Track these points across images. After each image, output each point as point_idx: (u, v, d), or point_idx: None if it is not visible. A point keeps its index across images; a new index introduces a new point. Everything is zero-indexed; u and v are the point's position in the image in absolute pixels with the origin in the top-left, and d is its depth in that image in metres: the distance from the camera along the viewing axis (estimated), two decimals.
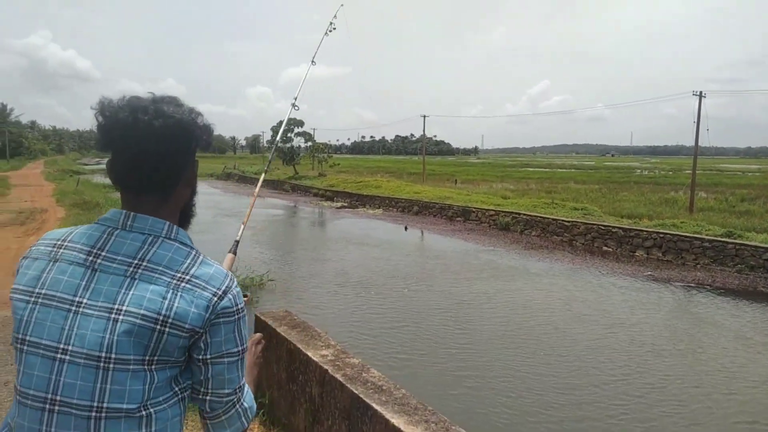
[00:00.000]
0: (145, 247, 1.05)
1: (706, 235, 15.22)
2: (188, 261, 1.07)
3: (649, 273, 13.81)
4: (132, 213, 1.07)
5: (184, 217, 1.21)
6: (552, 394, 6.68)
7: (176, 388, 1.06)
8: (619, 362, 7.90)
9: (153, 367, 1.01)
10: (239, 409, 1.15)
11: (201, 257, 1.10)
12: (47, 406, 0.98)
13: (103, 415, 0.98)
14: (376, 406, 2.66)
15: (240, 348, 1.10)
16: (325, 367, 3.15)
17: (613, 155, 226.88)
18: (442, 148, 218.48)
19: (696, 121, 22.33)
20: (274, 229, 22.06)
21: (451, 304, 10.77)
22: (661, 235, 15.85)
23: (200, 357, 1.05)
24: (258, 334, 1.54)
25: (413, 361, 7.79)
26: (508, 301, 11.04)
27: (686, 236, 15.29)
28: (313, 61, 3.36)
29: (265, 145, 59.69)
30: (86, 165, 75.65)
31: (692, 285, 12.76)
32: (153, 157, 1.06)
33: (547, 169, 66.70)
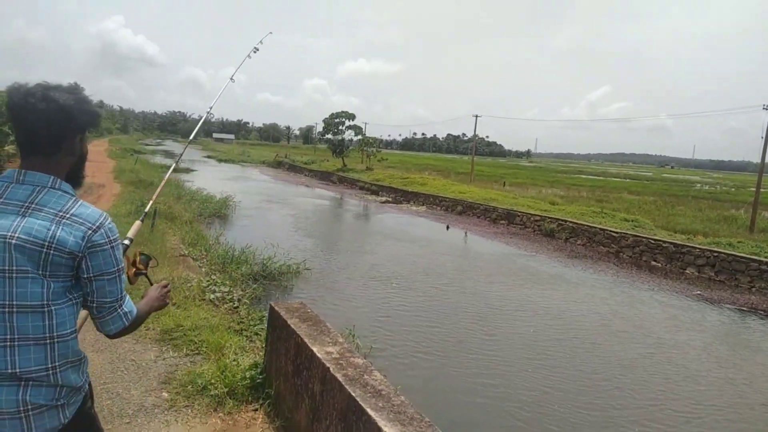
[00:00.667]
0: (34, 194, 1.46)
1: (765, 257, 14.32)
2: (69, 204, 1.49)
3: (699, 292, 13.13)
4: (24, 170, 1.49)
5: (74, 177, 1.60)
6: (577, 414, 6.43)
7: (70, 296, 1.51)
8: (653, 385, 7.52)
9: (47, 277, 1.44)
10: (120, 312, 1.61)
11: (80, 202, 1.52)
12: None
13: (15, 310, 1.42)
14: (371, 412, 2.59)
15: (116, 268, 1.56)
16: (328, 365, 3.10)
17: (672, 167, 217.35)
18: (493, 149, 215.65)
19: (764, 136, 21.07)
20: (317, 219, 22.30)
21: (482, 307, 10.55)
22: (715, 254, 15.03)
23: (85, 276, 1.50)
24: (164, 282, 2.07)
25: (434, 363, 7.68)
26: (542, 310, 10.72)
27: (742, 257, 14.44)
28: (232, 79, 3.96)
29: (317, 136, 60.30)
30: (147, 145, 78.93)
31: (745, 309, 12.04)
32: (37, 130, 1.47)
33: (600, 177, 64.69)
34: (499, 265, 14.63)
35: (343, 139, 44.23)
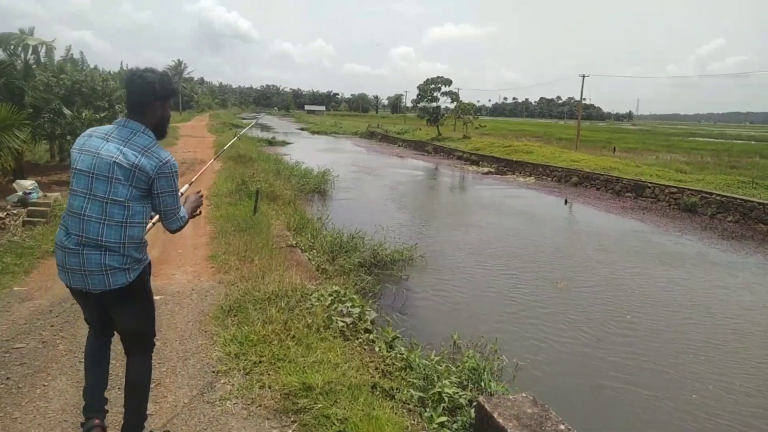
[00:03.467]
0: (131, 135, 2.50)
1: None
2: (151, 144, 2.51)
3: None
4: (126, 119, 2.54)
5: (158, 130, 2.63)
6: None
7: (142, 200, 2.49)
8: None
9: (132, 186, 2.43)
10: (177, 216, 2.65)
11: (157, 144, 2.56)
12: (87, 196, 2.42)
13: (109, 201, 2.41)
14: None
15: (174, 189, 2.56)
16: None
17: None
18: (591, 113, 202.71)
19: None
20: (417, 192, 20.93)
21: (628, 300, 8.67)
22: None
23: (155, 192, 2.50)
24: (198, 193, 3.08)
25: (572, 368, 6.03)
26: (704, 305, 8.65)
27: None
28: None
29: (410, 104, 58.56)
30: (244, 119, 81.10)
31: None
32: (132, 96, 2.55)
33: (720, 140, 57.70)
34: (638, 247, 12.44)
35: (438, 107, 42.16)
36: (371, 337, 4.19)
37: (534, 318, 8.13)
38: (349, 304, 4.66)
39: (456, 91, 41.41)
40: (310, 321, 4.10)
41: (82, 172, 2.43)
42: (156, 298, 5.17)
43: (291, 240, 8.08)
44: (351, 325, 4.27)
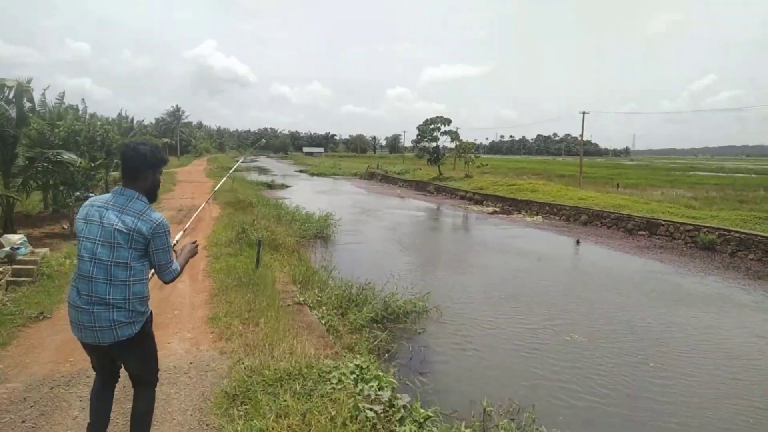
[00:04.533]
0: (127, 202, 2.85)
1: None
2: (144, 208, 2.86)
3: None
4: (123, 188, 2.89)
5: (150, 194, 2.97)
6: None
7: (141, 260, 2.86)
8: None
9: (131, 248, 2.80)
10: (170, 270, 2.97)
11: (151, 208, 2.91)
12: (93, 261, 2.77)
13: (113, 264, 2.77)
14: None
15: (167, 246, 2.92)
16: None
17: None
18: (589, 149, 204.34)
19: None
20: (423, 235, 20.31)
21: (658, 351, 7.92)
22: None
23: (151, 249, 2.86)
24: (193, 243, 3.47)
25: None
26: (735, 353, 7.91)
27: None
28: None
29: (410, 144, 58.66)
30: (242, 162, 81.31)
31: None
32: (127, 165, 2.91)
33: (721, 174, 57.65)
34: (662, 290, 11.75)
35: (438, 146, 42.00)
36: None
37: (557, 373, 7.46)
38: (375, 383, 3.96)
39: (456, 130, 41.34)
40: (333, 412, 3.40)
41: (86, 240, 2.81)
42: None
43: (298, 296, 7.41)
44: (382, 415, 3.55)
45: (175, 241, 3.58)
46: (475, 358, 8.05)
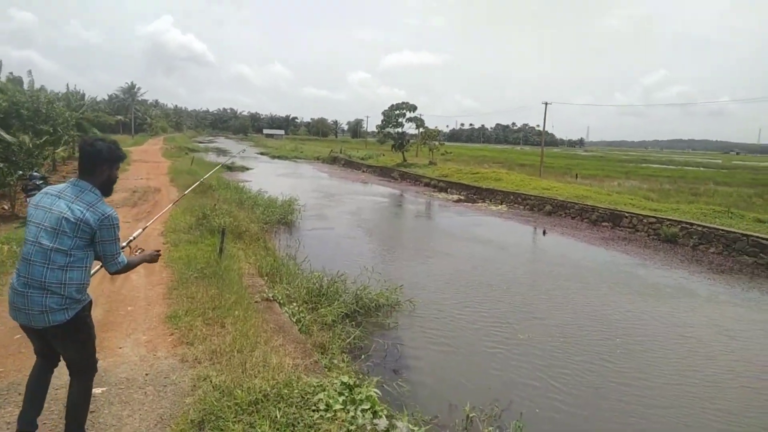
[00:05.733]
0: (80, 193, 2.91)
1: None
2: (96, 201, 2.92)
3: None
4: (77, 179, 2.96)
5: (104, 188, 3.04)
6: None
7: (86, 250, 2.90)
8: None
9: (77, 237, 2.85)
10: (116, 260, 3.01)
11: (102, 200, 2.96)
12: (34, 244, 2.84)
13: (53, 249, 2.81)
14: None
15: (113, 238, 2.95)
16: None
17: (737, 153, 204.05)
18: (545, 139, 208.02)
19: None
20: (390, 222, 19.88)
21: (635, 345, 7.79)
22: None
23: (96, 240, 2.90)
24: (156, 252, 3.50)
25: None
26: (701, 346, 7.86)
27: None
28: None
29: (373, 129, 57.97)
30: (200, 143, 78.71)
31: None
32: (84, 160, 2.98)
33: (671, 167, 59.64)
34: (631, 284, 11.71)
35: (403, 133, 41.51)
36: None
37: (526, 367, 7.34)
38: (367, 405, 3.48)
39: (421, 116, 40.97)
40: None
41: (33, 224, 2.91)
42: (96, 391, 3.89)
43: (266, 291, 6.83)
44: None
45: (132, 237, 3.81)
46: (448, 354, 7.72)
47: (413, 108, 40.51)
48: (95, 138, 3.09)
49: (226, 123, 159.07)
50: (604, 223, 19.47)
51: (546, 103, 38.91)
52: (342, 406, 3.38)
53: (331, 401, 3.39)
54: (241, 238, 11.00)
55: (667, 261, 14.35)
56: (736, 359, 7.99)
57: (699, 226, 16.23)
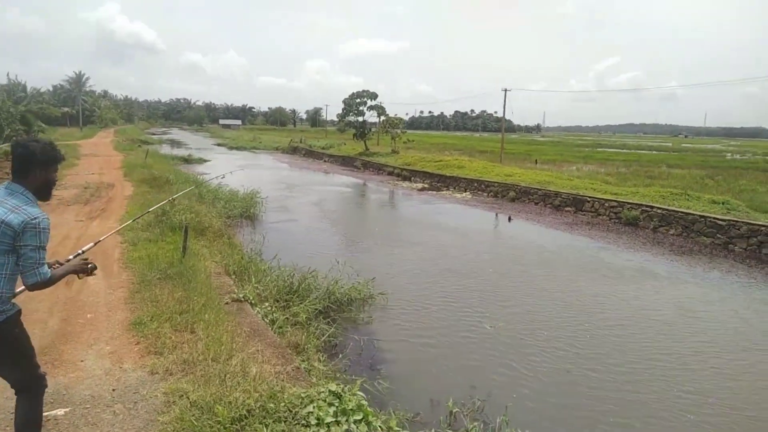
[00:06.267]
0: (9, 196, 2.68)
1: None
2: (24, 204, 2.67)
3: None
4: (10, 182, 2.74)
5: (41, 192, 2.80)
6: None
7: (7, 255, 2.62)
8: None
9: None
10: (36, 271, 2.65)
11: (31, 203, 2.71)
12: None
13: None
14: None
15: (38, 245, 2.64)
16: None
17: (686, 136, 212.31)
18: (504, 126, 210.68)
19: None
20: (356, 213, 19.66)
21: (608, 327, 7.89)
22: None
23: (18, 244, 2.60)
24: (85, 261, 3.03)
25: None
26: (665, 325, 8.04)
27: None
28: None
29: (333, 118, 57.31)
30: (153, 134, 76.10)
31: None
32: (16, 162, 2.74)
33: (625, 150, 61.46)
34: (598, 267, 11.88)
35: (364, 121, 41.14)
36: None
37: (498, 354, 7.39)
38: (359, 416, 3.27)
39: (382, 104, 40.67)
40: None
41: None
42: (59, 412, 3.55)
43: (236, 292, 6.51)
44: None
45: (82, 251, 3.45)
46: (424, 347, 7.62)
47: (374, 96, 40.18)
48: (28, 139, 2.86)
49: (180, 114, 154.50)
50: (567, 208, 19.77)
51: (505, 90, 39.20)
52: (333, 418, 3.16)
53: (321, 414, 3.17)
54: (204, 235, 10.56)
55: (630, 244, 14.66)
56: (702, 340, 8.16)
57: (659, 208, 16.65)
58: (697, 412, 6.05)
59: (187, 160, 34.95)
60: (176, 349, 4.48)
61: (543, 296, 9.92)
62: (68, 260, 3.02)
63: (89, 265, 3.00)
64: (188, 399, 3.35)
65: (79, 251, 3.24)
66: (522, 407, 5.99)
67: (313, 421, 3.10)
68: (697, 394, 6.44)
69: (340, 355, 6.57)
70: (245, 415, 3.14)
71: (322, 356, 6.32)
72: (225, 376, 3.68)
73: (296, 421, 3.12)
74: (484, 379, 6.69)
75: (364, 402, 3.51)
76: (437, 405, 5.98)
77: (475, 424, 5.27)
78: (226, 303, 6.03)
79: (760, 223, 14.22)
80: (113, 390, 3.84)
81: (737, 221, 14.57)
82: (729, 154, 56.60)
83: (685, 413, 6.00)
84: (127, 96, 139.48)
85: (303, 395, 3.38)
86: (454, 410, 5.61)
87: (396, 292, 9.56)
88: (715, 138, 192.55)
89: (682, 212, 15.94)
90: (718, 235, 14.77)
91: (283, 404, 3.26)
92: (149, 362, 4.29)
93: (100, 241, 3.75)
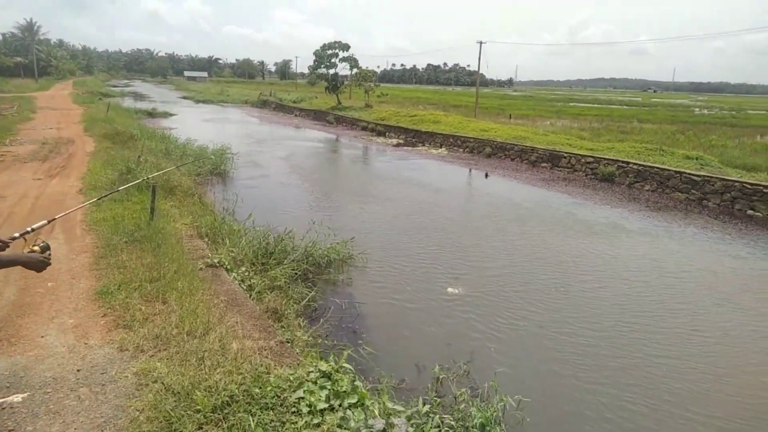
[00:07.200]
0: None
1: None
2: None
3: None
4: None
5: None
6: None
7: None
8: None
9: None
10: None
11: None
12: None
13: None
14: None
15: None
16: None
17: (655, 91, 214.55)
18: (474, 79, 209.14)
19: None
20: (330, 169, 19.17)
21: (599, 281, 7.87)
22: None
23: None
24: (43, 255, 2.51)
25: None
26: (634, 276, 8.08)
27: None
28: None
29: (304, 71, 55.58)
30: (115, 87, 72.71)
31: None
32: None
33: (595, 105, 61.65)
34: (575, 224, 11.84)
35: (337, 74, 39.91)
36: None
37: (475, 311, 7.37)
38: (354, 398, 3.01)
39: (354, 56, 39.39)
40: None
41: None
42: (16, 399, 3.20)
43: (209, 256, 6.13)
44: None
45: (30, 229, 2.67)
46: (402, 309, 7.46)
47: (346, 47, 38.84)
48: None
49: (142, 65, 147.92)
50: (543, 164, 19.65)
51: (481, 43, 38.26)
52: (327, 404, 2.90)
53: (313, 399, 2.89)
54: (173, 194, 10.03)
55: (607, 200, 14.66)
56: (679, 300, 8.18)
57: (634, 164, 16.65)
58: (668, 371, 6.05)
59: (152, 114, 33.54)
60: (147, 321, 4.13)
61: (519, 253, 9.85)
62: (13, 238, 2.50)
63: (48, 263, 2.52)
64: (163, 384, 3.03)
65: (28, 228, 2.64)
66: (504, 374, 5.88)
67: (305, 409, 2.82)
68: (670, 355, 6.44)
69: (322, 320, 6.30)
70: (228, 402, 2.84)
71: (303, 321, 6.07)
72: (203, 354, 3.37)
73: (286, 409, 2.84)
74: (465, 340, 6.61)
75: (358, 383, 3.25)
76: (423, 370, 5.83)
77: (463, 390, 5.13)
78: (200, 269, 5.66)
79: (734, 179, 14.33)
80: (78, 371, 3.49)
81: (712, 177, 14.66)
82: (697, 109, 57.36)
83: (660, 374, 6.00)
84: (85, 46, 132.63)
85: (291, 377, 3.10)
86: (440, 376, 5.46)
87: (374, 252, 9.33)
88: (682, 93, 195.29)
89: (657, 168, 15.97)
90: (693, 191, 14.87)
91: (269, 388, 2.97)
92: (117, 337, 3.94)
93: (55, 219, 3.11)
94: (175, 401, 2.84)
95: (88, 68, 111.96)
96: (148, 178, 8.33)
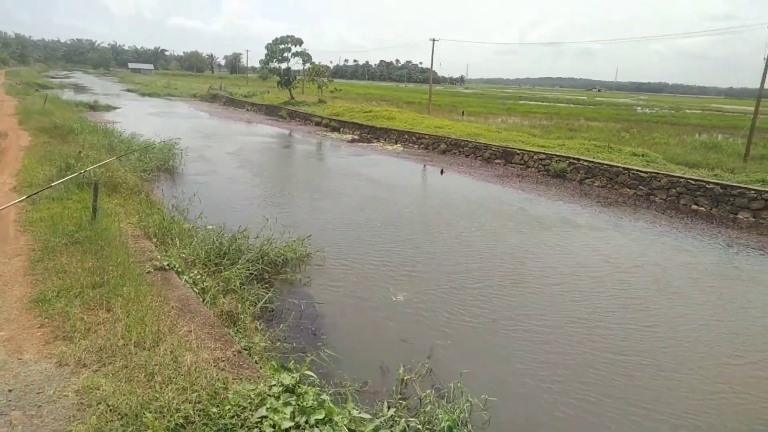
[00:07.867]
0: None
1: None
2: None
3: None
4: None
5: None
6: None
7: None
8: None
9: None
10: None
11: None
12: None
13: None
14: None
15: None
16: None
17: (599, 90, 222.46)
18: (427, 76, 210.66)
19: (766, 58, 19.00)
20: (283, 165, 18.74)
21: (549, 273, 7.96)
22: None
23: None
24: None
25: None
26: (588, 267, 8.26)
27: None
28: None
29: (255, 65, 54.38)
30: (53, 78, 68.98)
31: None
32: None
33: (545, 103, 63.28)
34: (528, 220, 11.98)
35: (289, 68, 39.20)
36: None
37: (429, 305, 7.43)
38: (321, 414, 2.79)
39: (307, 51, 38.77)
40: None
41: None
42: None
43: (158, 258, 5.76)
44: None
45: None
46: (361, 308, 7.32)
47: (299, 42, 38.21)
48: None
49: (83, 56, 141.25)
50: (497, 161, 19.86)
51: (433, 40, 38.44)
52: (292, 422, 2.67)
53: (277, 418, 2.66)
54: (117, 192, 9.48)
55: (560, 195, 14.94)
56: (628, 293, 8.36)
57: (585, 161, 17.04)
58: (624, 367, 6.14)
59: (94, 107, 31.95)
60: (90, 332, 3.78)
61: (474, 249, 9.93)
62: None
63: None
64: (107, 404, 2.73)
65: None
66: (466, 373, 5.80)
67: (269, 430, 2.58)
68: (623, 351, 6.55)
69: (281, 325, 6.05)
70: (182, 424, 2.58)
71: (260, 324, 5.80)
72: (153, 368, 3.08)
73: (247, 430, 2.61)
74: (424, 338, 6.56)
75: (324, 396, 3.04)
76: (386, 371, 5.68)
77: (428, 392, 5.01)
78: (148, 272, 5.29)
79: (678, 175, 14.88)
80: (9, 391, 3.12)
81: (658, 173, 15.17)
82: (639, 108, 59.71)
83: (615, 370, 6.08)
84: (19, 34, 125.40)
85: (252, 393, 2.85)
86: (405, 378, 5.32)
87: (331, 249, 9.16)
88: (625, 92, 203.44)
89: (606, 164, 16.40)
90: (641, 187, 15.36)
91: (228, 407, 2.72)
92: (56, 350, 3.58)
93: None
94: (122, 425, 2.56)
95: (22, 58, 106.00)
96: (85, 171, 7.81)
